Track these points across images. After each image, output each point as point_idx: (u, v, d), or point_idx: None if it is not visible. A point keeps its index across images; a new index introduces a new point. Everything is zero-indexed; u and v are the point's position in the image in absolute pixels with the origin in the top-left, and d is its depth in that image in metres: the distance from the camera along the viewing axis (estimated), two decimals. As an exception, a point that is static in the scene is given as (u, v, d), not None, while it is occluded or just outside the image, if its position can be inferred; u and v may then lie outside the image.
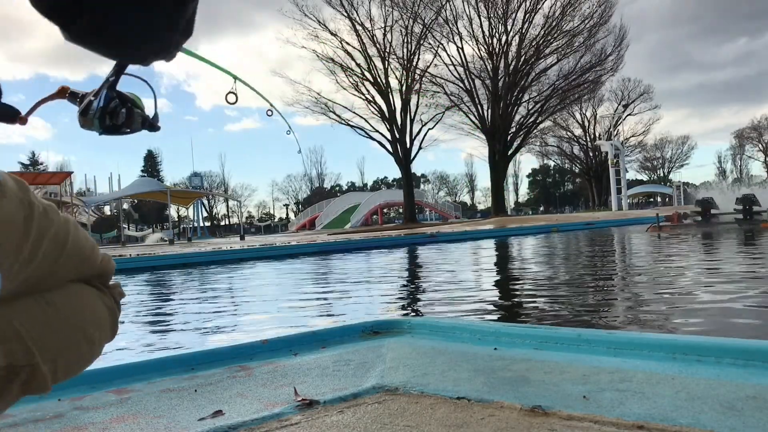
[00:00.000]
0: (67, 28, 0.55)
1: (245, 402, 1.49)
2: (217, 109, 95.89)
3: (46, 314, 0.69)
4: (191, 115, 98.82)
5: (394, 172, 71.06)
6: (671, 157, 71.76)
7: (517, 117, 38.22)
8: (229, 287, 7.78)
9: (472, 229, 21.85)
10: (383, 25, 35.45)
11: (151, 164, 68.15)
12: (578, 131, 56.65)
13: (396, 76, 36.50)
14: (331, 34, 35.09)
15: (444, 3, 34.99)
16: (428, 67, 36.44)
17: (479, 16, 36.48)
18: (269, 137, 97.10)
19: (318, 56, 35.29)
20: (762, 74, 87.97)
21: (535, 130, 40.74)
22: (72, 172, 30.75)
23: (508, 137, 37.68)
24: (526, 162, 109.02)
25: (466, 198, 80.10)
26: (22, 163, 60.89)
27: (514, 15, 36.38)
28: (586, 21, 36.43)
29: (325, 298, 5.81)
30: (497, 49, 37.00)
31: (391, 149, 36.64)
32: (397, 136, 36.29)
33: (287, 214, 71.60)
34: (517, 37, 36.70)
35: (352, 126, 36.55)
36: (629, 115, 56.81)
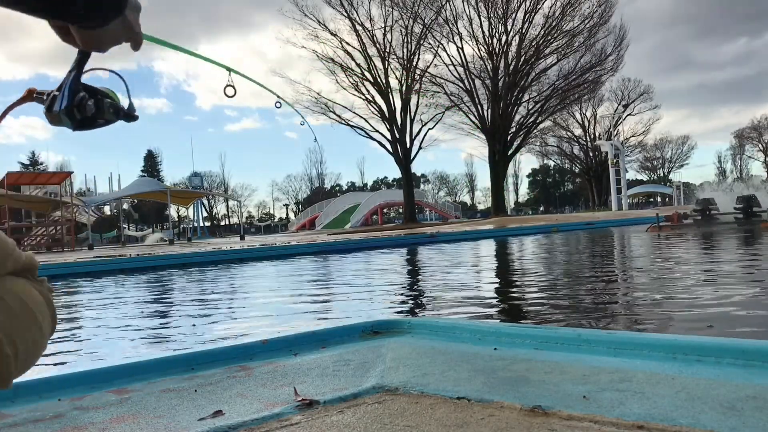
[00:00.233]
0: None
1: (245, 402, 1.49)
2: (217, 108, 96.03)
3: None
4: (191, 115, 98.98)
5: (394, 172, 71.11)
6: (671, 157, 71.87)
7: (517, 117, 38.27)
8: (229, 287, 7.78)
9: (472, 229, 21.86)
10: (383, 25, 35.51)
11: (151, 164, 68.19)
12: (578, 131, 56.75)
13: (396, 76, 36.55)
14: (331, 34, 35.13)
15: (444, 3, 35.02)
16: (428, 67, 36.50)
17: (479, 16, 36.53)
18: (269, 137, 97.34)
19: (318, 56, 35.35)
20: (762, 74, 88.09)
21: (535, 130, 40.80)
22: (72, 172, 30.68)
23: (508, 137, 37.69)
24: (526, 162, 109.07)
25: (466, 198, 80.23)
26: (22, 163, 60.98)
27: (514, 15, 36.44)
28: (586, 21, 36.50)
29: (325, 299, 5.82)
30: (497, 49, 37.02)
31: (391, 149, 36.65)
32: (397, 136, 36.30)
33: (287, 214, 71.66)
34: (517, 37, 36.75)
35: (352, 126, 36.59)
36: (629, 115, 56.91)
